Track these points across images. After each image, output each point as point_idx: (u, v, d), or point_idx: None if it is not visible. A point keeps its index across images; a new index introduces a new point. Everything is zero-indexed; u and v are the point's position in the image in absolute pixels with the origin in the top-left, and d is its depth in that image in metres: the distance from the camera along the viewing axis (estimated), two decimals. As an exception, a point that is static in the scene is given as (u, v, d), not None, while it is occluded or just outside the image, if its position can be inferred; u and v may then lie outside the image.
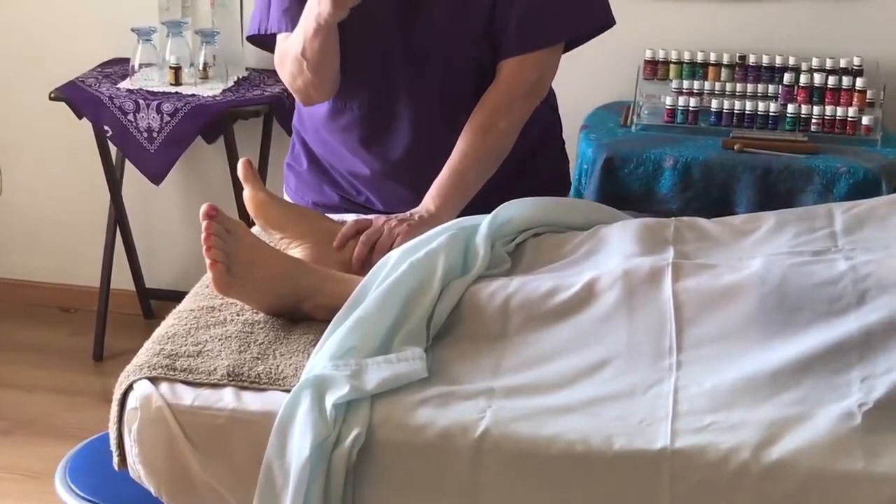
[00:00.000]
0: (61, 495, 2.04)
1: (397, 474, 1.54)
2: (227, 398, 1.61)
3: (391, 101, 2.15)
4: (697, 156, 2.93)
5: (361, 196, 2.24)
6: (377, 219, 2.00)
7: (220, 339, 1.73)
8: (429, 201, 2.05)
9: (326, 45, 2.05)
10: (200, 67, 3.31)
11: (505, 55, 2.11)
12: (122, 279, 3.63)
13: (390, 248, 1.88)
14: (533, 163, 2.24)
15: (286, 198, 2.31)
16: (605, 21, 2.20)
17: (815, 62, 3.09)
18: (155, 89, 3.26)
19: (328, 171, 2.27)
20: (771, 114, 3.04)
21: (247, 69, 3.42)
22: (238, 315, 1.80)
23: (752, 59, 3.13)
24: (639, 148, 2.97)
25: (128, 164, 3.41)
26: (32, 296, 3.83)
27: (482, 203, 2.01)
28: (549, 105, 2.30)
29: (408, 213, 2.02)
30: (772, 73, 3.13)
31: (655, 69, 3.18)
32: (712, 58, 3.15)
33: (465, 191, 2.08)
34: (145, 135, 3.21)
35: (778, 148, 2.95)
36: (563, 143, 2.38)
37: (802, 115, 3.04)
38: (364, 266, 1.88)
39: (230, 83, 3.32)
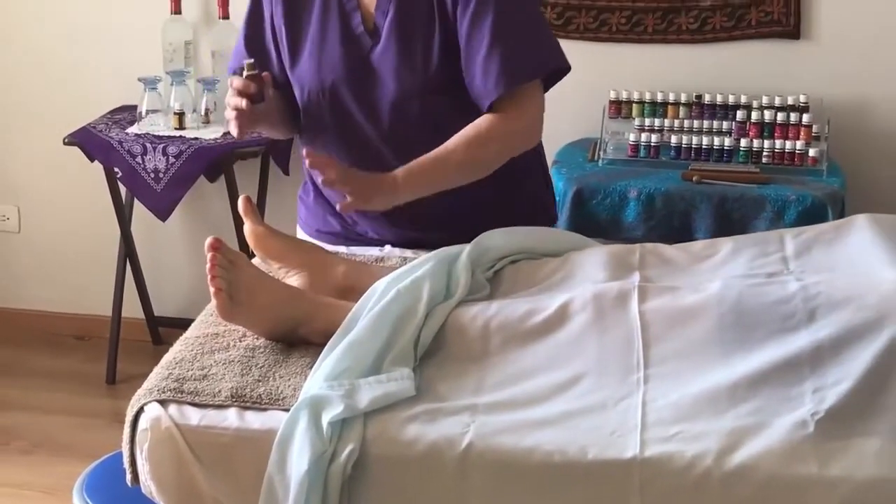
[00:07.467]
0: (78, 510, 2.03)
1: (389, 486, 1.54)
2: (231, 418, 1.61)
3: (354, 154, 2.10)
4: (659, 187, 2.94)
5: (358, 226, 2.23)
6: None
7: (223, 364, 1.73)
8: (400, 172, 1.98)
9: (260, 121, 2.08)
10: (202, 113, 3.30)
11: (489, 97, 2.03)
12: (132, 308, 3.62)
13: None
14: (513, 192, 2.20)
15: (299, 227, 2.31)
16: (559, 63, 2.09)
17: (765, 100, 3.11)
18: (161, 133, 3.25)
19: (329, 202, 2.25)
20: (726, 148, 3.06)
21: (245, 113, 3.41)
22: (240, 341, 1.80)
23: (707, 98, 3.15)
24: (605, 181, 2.98)
25: (136, 203, 3.40)
26: (49, 325, 3.81)
27: (466, 229, 1.98)
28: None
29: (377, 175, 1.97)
30: (726, 110, 3.14)
31: (619, 108, 3.19)
32: (671, 97, 3.16)
33: (434, 181, 2.00)
34: (152, 175, 3.20)
35: (733, 179, 2.96)
36: (546, 176, 2.31)
37: (754, 149, 3.05)
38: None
39: (230, 127, 3.32)
